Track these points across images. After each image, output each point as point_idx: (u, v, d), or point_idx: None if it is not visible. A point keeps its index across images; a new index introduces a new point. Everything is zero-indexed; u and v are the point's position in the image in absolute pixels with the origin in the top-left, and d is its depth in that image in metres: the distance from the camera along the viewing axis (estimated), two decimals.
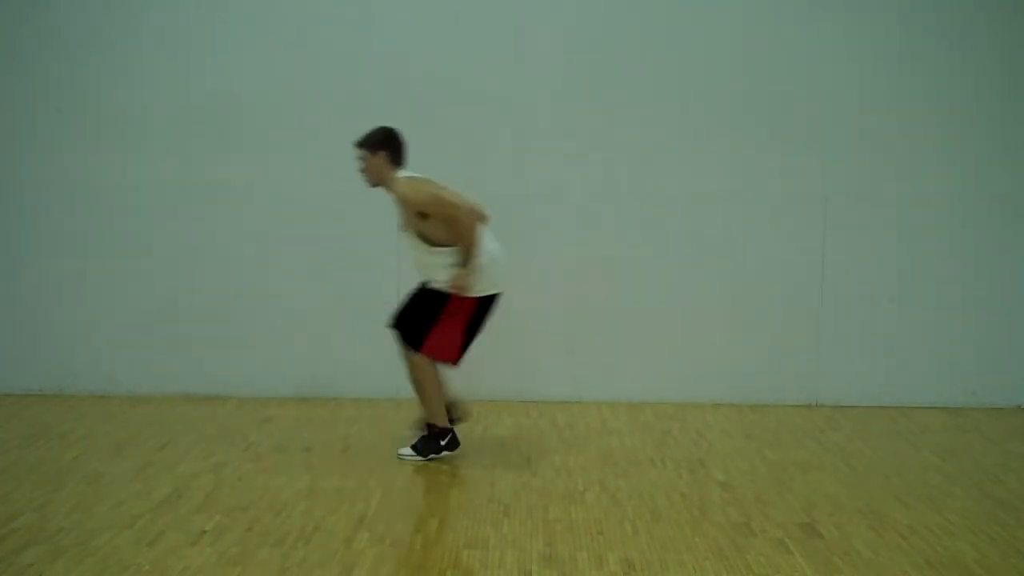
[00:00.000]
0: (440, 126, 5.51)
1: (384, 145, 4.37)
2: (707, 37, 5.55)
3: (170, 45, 5.57)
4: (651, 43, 5.55)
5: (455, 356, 4.46)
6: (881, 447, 4.88)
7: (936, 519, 3.81)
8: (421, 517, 3.76)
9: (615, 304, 5.67)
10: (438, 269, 4.36)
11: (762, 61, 5.56)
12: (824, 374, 5.72)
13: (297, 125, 5.59)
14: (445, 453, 4.54)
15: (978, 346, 5.70)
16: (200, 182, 5.61)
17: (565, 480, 4.25)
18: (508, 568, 3.27)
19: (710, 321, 5.68)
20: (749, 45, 5.56)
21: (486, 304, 4.44)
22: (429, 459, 4.51)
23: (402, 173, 4.37)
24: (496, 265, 4.41)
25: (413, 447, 4.55)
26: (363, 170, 4.41)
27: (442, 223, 4.29)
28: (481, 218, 4.31)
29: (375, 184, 4.43)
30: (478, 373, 5.68)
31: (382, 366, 5.57)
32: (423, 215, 4.29)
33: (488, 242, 4.38)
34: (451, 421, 4.59)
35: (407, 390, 5.36)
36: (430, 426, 4.54)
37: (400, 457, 4.54)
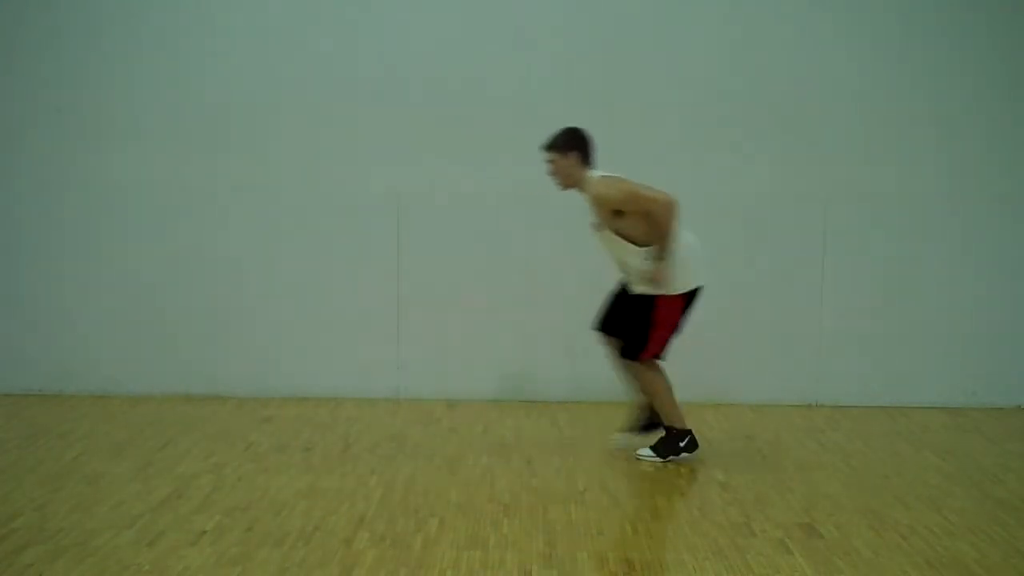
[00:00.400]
0: (440, 126, 5.51)
1: (574, 145, 4.26)
2: (707, 37, 5.55)
3: (169, 45, 5.57)
4: (651, 43, 5.55)
5: (659, 353, 4.41)
6: (881, 447, 4.88)
7: (936, 519, 3.80)
8: (421, 517, 3.75)
9: None
10: (638, 267, 4.25)
11: (762, 61, 5.56)
12: (824, 374, 5.72)
13: (297, 125, 5.58)
14: (684, 455, 4.48)
15: (978, 346, 5.70)
16: (200, 181, 5.61)
17: (565, 480, 4.25)
18: (508, 568, 3.27)
19: (710, 321, 5.66)
20: (749, 46, 5.56)
21: (690, 299, 4.37)
22: (668, 460, 4.47)
23: (594, 173, 4.27)
24: (695, 257, 4.32)
25: (653, 448, 4.50)
26: (553, 173, 4.30)
27: (640, 218, 4.18)
28: (678, 211, 4.18)
29: (567, 186, 4.32)
30: (480, 373, 5.69)
31: (382, 366, 5.58)
32: (619, 213, 4.19)
33: (685, 234, 4.27)
34: (648, 426, 4.57)
35: (407, 390, 5.34)
36: (668, 428, 4.49)
37: (638, 457, 4.51)
